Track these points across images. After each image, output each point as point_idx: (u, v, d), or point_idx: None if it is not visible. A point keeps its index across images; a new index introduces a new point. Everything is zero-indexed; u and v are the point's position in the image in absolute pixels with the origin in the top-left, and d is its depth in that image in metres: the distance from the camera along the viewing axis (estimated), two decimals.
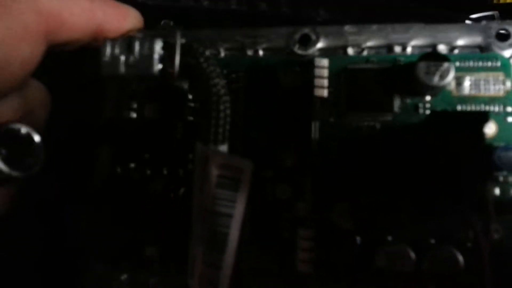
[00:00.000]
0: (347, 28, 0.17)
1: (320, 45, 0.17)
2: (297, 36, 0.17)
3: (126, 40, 0.13)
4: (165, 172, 0.15)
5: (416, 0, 0.20)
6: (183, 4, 0.22)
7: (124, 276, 0.16)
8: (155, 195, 0.15)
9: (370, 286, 0.14)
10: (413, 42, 0.16)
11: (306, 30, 0.17)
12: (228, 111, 0.13)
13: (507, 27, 0.16)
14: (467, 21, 0.19)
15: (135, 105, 0.16)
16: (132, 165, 0.16)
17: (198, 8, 0.22)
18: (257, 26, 0.17)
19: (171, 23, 0.19)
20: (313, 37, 0.17)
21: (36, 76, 0.16)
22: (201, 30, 0.17)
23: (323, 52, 0.17)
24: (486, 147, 0.14)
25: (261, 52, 0.17)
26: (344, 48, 0.16)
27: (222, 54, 0.17)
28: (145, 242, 0.15)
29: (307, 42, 0.17)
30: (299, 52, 0.17)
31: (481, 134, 0.14)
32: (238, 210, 0.12)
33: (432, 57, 0.14)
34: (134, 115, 0.16)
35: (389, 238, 0.15)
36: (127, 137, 0.16)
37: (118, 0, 0.17)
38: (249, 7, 0.19)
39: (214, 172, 0.12)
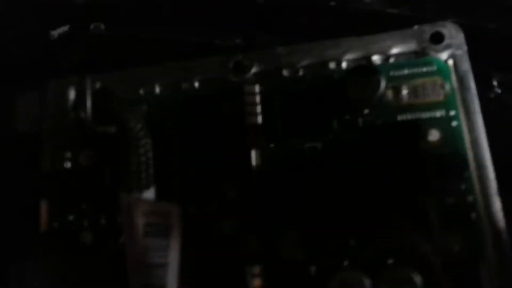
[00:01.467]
0: (280, 49, 0.16)
1: (254, 70, 0.16)
2: (230, 64, 0.16)
3: (37, 94, 0.13)
4: (102, 221, 0.15)
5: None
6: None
7: None
8: (86, 247, 0.14)
9: None
10: (346, 56, 0.16)
11: (239, 57, 0.16)
12: (149, 154, 0.12)
13: (439, 29, 0.16)
14: None
15: (69, 155, 0.16)
16: (70, 217, 0.15)
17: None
18: (190, 57, 0.17)
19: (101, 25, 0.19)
20: (247, 63, 0.16)
21: None
22: (134, 68, 0.17)
23: (259, 77, 0.16)
24: (429, 156, 0.13)
25: (196, 84, 0.17)
26: (279, 70, 0.16)
27: (157, 90, 0.17)
28: None
29: (240, 69, 0.16)
30: (234, 79, 0.16)
31: (420, 144, 0.13)
32: (173, 257, 0.12)
33: (359, 71, 0.14)
34: (69, 165, 0.16)
35: (345, 263, 0.14)
36: (64, 189, 0.15)
37: None
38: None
39: (140, 221, 0.12)
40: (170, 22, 0.20)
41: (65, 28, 0.21)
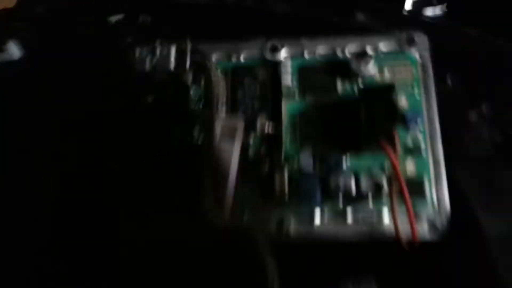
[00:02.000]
0: (303, 40, 0.24)
1: (284, 52, 0.24)
2: (268, 46, 0.24)
3: (150, 46, 0.20)
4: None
5: None
6: None
7: None
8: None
9: None
10: (349, 48, 0.23)
11: (274, 41, 0.24)
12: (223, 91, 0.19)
13: (412, 35, 0.23)
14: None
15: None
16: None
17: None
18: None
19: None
20: (279, 46, 0.24)
21: None
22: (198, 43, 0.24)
23: (287, 57, 0.23)
24: (398, 115, 0.21)
25: (242, 59, 0.24)
26: (302, 53, 0.23)
27: (214, 59, 0.24)
28: None
29: (275, 50, 0.24)
30: (270, 58, 0.23)
31: (393, 100, 0.20)
32: (235, 157, 0.18)
33: (360, 55, 0.21)
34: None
35: None
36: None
37: None
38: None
39: (217, 131, 0.18)
40: None
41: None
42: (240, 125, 0.19)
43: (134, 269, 0.20)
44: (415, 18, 0.26)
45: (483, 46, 0.25)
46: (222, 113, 0.20)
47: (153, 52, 0.19)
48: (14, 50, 0.31)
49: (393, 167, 0.19)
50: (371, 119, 0.20)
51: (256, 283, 0.20)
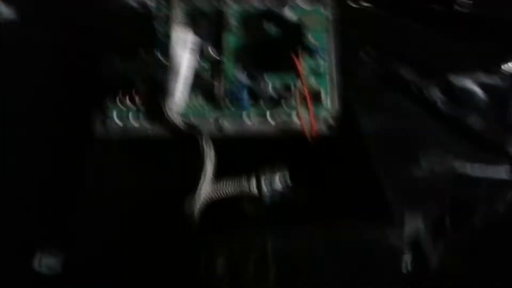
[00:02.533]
0: None
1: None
2: None
3: None
4: None
5: None
6: None
7: None
8: None
9: None
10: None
11: None
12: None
13: None
14: None
15: None
16: None
17: None
18: None
19: None
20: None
21: None
22: None
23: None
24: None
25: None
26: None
27: None
28: None
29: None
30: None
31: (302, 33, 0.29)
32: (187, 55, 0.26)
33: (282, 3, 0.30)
34: None
35: None
36: None
37: None
38: None
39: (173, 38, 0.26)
40: None
41: None
42: (191, 37, 0.26)
43: None
44: None
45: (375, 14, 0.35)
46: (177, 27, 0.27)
47: None
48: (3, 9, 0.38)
49: (298, 74, 0.28)
50: (285, 44, 0.28)
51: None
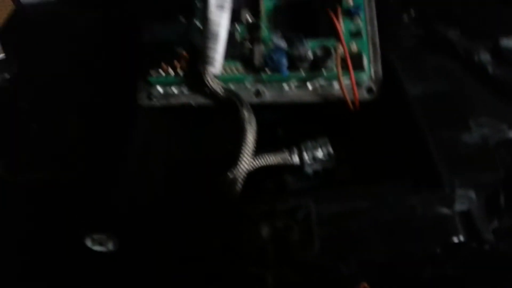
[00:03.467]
0: None
1: None
2: None
3: None
4: None
5: None
6: None
7: None
8: None
9: None
10: None
11: None
12: None
13: None
14: None
15: None
16: None
17: None
18: None
19: None
20: None
21: None
22: None
23: None
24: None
25: None
26: None
27: None
28: None
29: None
30: None
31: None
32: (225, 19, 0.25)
33: None
34: None
35: None
36: None
37: None
38: None
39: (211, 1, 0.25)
40: None
41: None
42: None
43: None
44: None
45: None
46: None
47: None
48: None
49: (337, 33, 0.26)
50: (322, 3, 0.27)
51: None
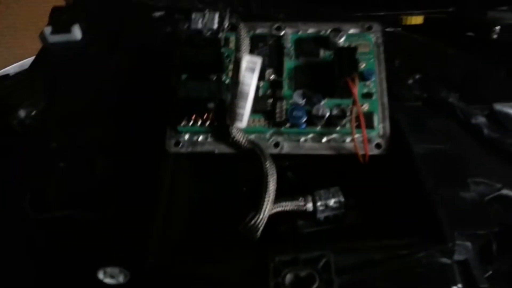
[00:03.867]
0: (298, 23, 0.34)
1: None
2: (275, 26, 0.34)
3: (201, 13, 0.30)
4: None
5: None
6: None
7: None
8: None
9: None
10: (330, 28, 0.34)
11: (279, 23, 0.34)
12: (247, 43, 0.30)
13: (371, 24, 0.34)
14: None
15: None
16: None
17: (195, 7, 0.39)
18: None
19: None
20: (282, 27, 0.34)
21: None
22: None
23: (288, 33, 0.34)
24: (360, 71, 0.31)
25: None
26: (297, 31, 0.34)
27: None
28: None
29: (279, 29, 0.34)
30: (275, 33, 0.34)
31: (355, 57, 0.31)
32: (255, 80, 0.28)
33: (336, 30, 0.32)
34: None
35: None
36: None
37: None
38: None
39: (243, 64, 0.28)
40: None
41: None
42: (259, 61, 0.29)
43: None
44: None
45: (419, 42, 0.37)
46: (246, 54, 0.30)
47: (204, 16, 0.29)
48: (77, 33, 0.41)
49: (354, 97, 0.30)
50: (341, 69, 0.30)
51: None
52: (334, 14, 0.37)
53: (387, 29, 0.38)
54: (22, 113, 0.38)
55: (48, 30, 0.42)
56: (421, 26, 0.54)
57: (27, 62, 0.55)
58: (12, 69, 0.62)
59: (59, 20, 0.44)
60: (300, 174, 0.32)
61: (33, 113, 0.38)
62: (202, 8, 0.40)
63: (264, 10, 0.41)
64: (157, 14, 0.43)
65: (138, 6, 0.45)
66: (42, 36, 0.42)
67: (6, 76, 0.52)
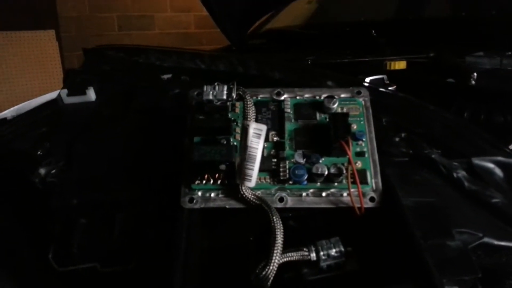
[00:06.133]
0: (297, 90, 0.39)
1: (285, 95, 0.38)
2: (275, 92, 0.38)
3: (212, 85, 0.34)
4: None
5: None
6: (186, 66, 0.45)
7: None
8: None
9: None
10: (324, 94, 0.38)
11: (279, 89, 0.38)
12: (253, 111, 0.34)
13: (360, 89, 0.38)
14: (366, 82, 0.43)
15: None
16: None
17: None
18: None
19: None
20: (282, 92, 0.38)
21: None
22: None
23: (287, 98, 0.38)
24: (352, 133, 0.35)
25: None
26: (295, 96, 0.38)
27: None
28: None
29: (279, 94, 0.38)
30: (276, 98, 0.38)
31: (347, 122, 0.35)
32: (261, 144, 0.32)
33: (330, 97, 0.37)
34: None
35: None
36: None
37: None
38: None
39: (251, 131, 0.32)
40: None
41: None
42: (264, 128, 0.32)
43: None
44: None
45: (404, 100, 0.42)
46: (252, 122, 0.34)
47: (214, 88, 0.34)
48: (91, 95, 0.45)
49: (349, 157, 0.33)
50: (336, 133, 0.34)
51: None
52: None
53: (372, 77, 0.43)
54: (42, 171, 0.41)
55: (64, 92, 0.46)
56: (404, 71, 0.59)
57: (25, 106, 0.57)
58: (9, 112, 0.64)
59: (74, 82, 0.48)
60: (302, 224, 0.36)
61: (53, 171, 0.41)
62: (204, 69, 0.45)
63: (261, 70, 0.45)
64: (165, 76, 0.48)
65: (147, 67, 0.50)
66: (59, 98, 0.46)
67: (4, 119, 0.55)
